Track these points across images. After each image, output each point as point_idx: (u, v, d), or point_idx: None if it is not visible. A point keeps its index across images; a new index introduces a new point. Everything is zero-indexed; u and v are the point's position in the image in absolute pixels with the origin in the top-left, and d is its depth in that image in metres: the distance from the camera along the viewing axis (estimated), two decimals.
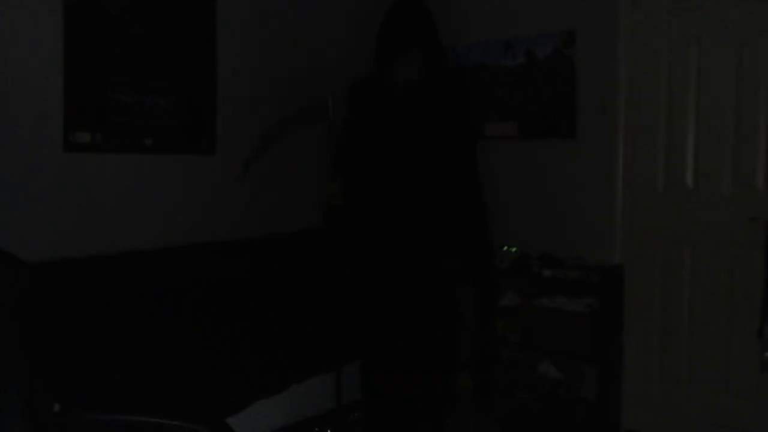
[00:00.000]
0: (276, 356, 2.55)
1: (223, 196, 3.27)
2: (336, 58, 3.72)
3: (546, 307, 3.20)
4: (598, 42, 3.23)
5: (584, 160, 3.31)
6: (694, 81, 3.00)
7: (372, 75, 2.49)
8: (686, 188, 3.05)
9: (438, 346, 2.49)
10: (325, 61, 3.68)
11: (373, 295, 2.51)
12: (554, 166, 3.42)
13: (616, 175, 3.21)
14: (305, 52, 3.61)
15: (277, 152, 3.46)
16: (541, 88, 3.42)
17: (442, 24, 2.44)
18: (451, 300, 2.50)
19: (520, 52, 3.49)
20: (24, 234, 2.56)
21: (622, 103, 3.18)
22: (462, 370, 3.54)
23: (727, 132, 2.91)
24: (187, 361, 2.38)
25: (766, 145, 2.82)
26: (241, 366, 2.41)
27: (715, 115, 2.95)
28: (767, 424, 2.83)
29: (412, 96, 2.38)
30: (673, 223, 3.09)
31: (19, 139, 2.57)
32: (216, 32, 3.19)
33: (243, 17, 3.32)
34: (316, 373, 2.62)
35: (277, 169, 3.47)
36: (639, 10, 3.13)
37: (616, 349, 3.17)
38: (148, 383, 2.17)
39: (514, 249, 3.41)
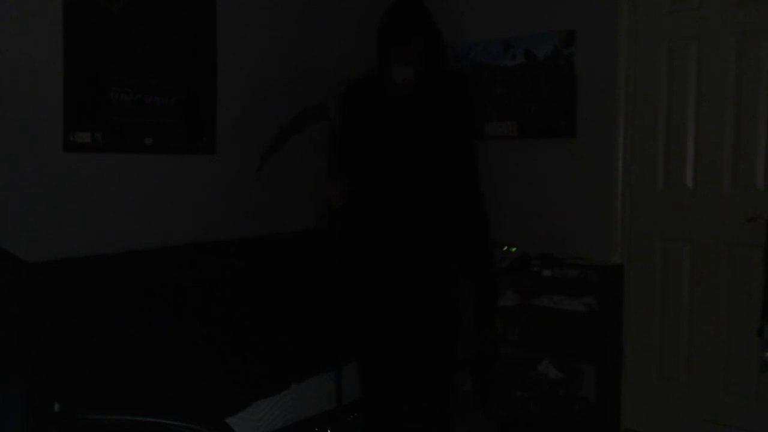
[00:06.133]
0: (276, 356, 2.55)
1: (223, 196, 3.27)
2: (336, 57, 3.72)
3: (545, 307, 3.20)
4: (598, 42, 3.23)
5: (584, 160, 3.31)
6: (694, 81, 3.00)
7: (369, 76, 2.49)
8: (686, 188, 3.05)
9: (438, 345, 2.49)
10: (325, 61, 3.68)
11: (373, 295, 2.51)
12: (554, 166, 3.42)
13: (616, 175, 3.21)
14: (305, 52, 3.61)
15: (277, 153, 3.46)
16: (540, 87, 3.42)
17: (442, 24, 2.44)
18: (450, 300, 2.51)
19: (519, 52, 3.49)
20: (24, 234, 2.56)
21: (622, 103, 3.19)
22: (462, 370, 3.54)
23: (727, 132, 2.91)
24: (187, 360, 2.38)
25: (766, 145, 2.83)
26: (240, 366, 2.41)
27: (715, 115, 2.95)
28: (767, 424, 2.83)
29: (409, 96, 2.38)
30: (672, 223, 3.09)
31: (19, 139, 2.57)
32: (216, 32, 3.20)
33: (243, 17, 3.32)
34: (317, 372, 2.62)
35: (276, 169, 3.47)
36: (639, 10, 3.13)
37: (616, 348, 3.17)
38: (148, 383, 2.17)
39: (513, 249, 3.41)
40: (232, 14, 3.26)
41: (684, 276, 3.06)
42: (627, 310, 3.21)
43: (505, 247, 3.43)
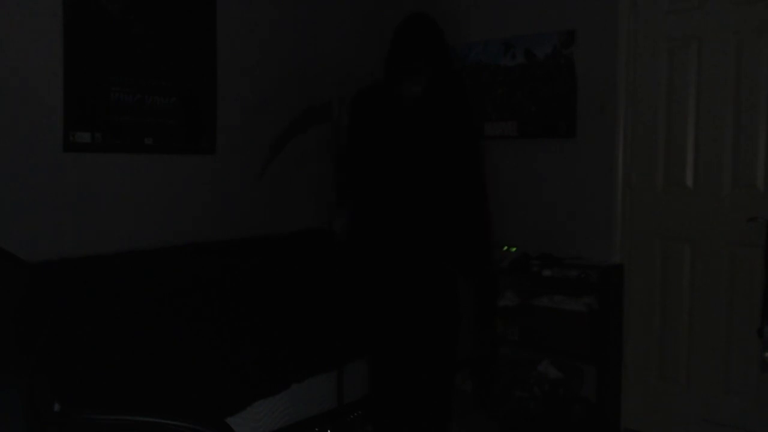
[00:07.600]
0: (276, 356, 2.55)
1: (223, 196, 3.27)
2: (337, 58, 3.71)
3: (545, 307, 3.20)
4: (598, 42, 3.23)
5: (584, 160, 3.31)
6: (693, 81, 3.00)
7: (376, 85, 2.49)
8: (686, 188, 3.05)
9: (438, 345, 2.49)
10: (325, 62, 3.68)
11: (374, 294, 2.51)
12: (554, 166, 3.42)
13: (616, 175, 3.21)
14: (306, 52, 3.61)
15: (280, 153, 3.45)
16: (540, 87, 3.42)
17: (442, 24, 2.44)
18: (451, 299, 2.51)
19: (519, 52, 3.49)
20: (24, 234, 2.56)
21: (622, 103, 3.19)
22: (462, 369, 3.54)
23: (727, 132, 2.92)
24: (187, 360, 2.38)
25: (766, 145, 2.83)
26: (241, 366, 2.41)
27: (714, 115, 2.95)
28: (767, 424, 2.83)
29: (416, 105, 2.39)
30: (672, 223, 3.09)
31: (19, 139, 2.57)
32: (216, 32, 3.20)
33: (243, 17, 3.32)
34: (317, 372, 2.62)
35: (277, 169, 3.47)
36: (639, 10, 3.13)
37: (616, 348, 3.17)
38: (148, 383, 2.17)
39: (513, 249, 3.41)
40: (233, 14, 3.26)
41: (684, 276, 3.06)
42: (627, 310, 3.21)
43: (505, 247, 3.43)
